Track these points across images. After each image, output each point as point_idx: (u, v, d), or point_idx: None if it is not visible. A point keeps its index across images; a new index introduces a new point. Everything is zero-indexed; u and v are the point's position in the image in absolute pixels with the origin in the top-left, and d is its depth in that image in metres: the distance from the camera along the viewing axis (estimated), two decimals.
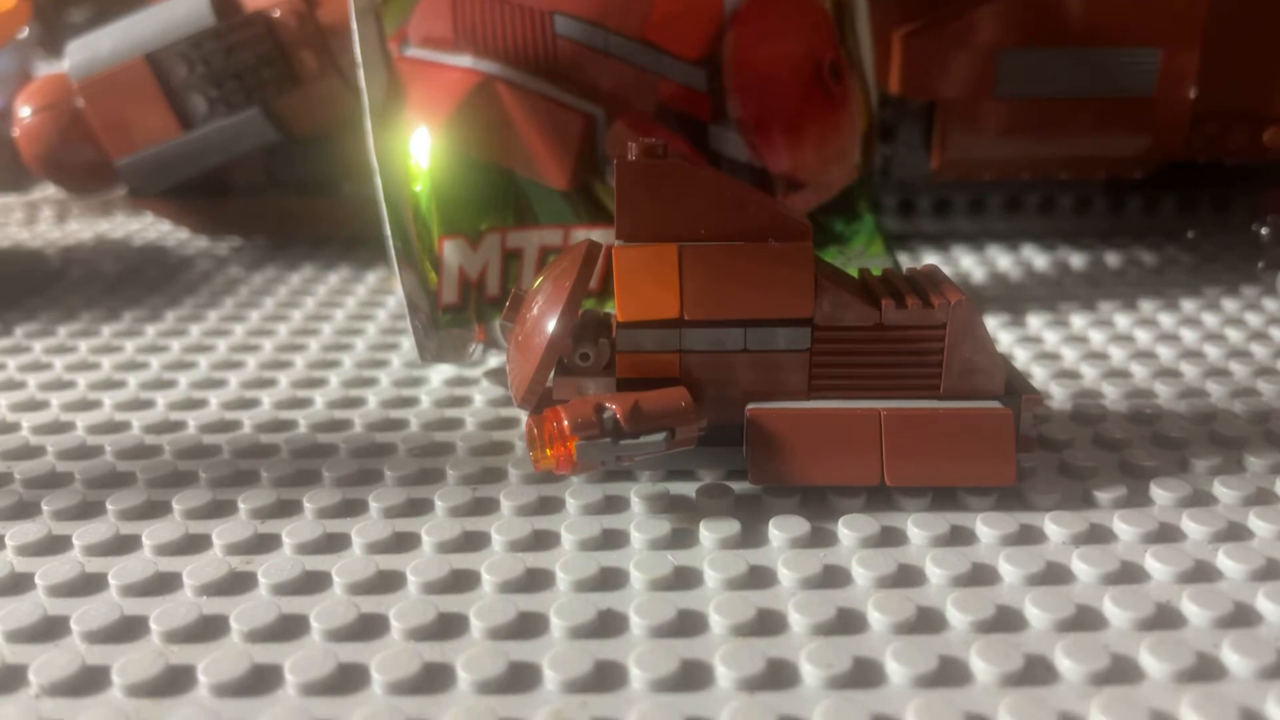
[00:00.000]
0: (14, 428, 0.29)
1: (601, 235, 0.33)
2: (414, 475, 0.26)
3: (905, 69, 0.40)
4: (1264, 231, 0.36)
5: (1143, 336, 0.34)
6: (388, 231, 0.32)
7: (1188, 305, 0.37)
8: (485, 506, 0.25)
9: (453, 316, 0.32)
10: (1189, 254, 0.43)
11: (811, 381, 0.25)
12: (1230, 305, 0.37)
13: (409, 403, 0.30)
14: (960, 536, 0.23)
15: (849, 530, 0.23)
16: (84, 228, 0.49)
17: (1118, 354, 0.33)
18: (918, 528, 0.23)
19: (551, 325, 0.24)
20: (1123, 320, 0.36)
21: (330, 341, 0.35)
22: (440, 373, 0.32)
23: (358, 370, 0.33)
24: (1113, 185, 0.44)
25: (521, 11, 0.32)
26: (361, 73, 0.32)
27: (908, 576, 0.22)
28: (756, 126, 0.34)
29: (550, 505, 0.25)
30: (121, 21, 0.39)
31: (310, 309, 0.38)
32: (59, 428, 0.29)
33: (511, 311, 0.26)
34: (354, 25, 0.32)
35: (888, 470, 0.24)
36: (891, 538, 0.23)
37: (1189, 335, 0.34)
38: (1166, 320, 0.36)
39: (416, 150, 0.32)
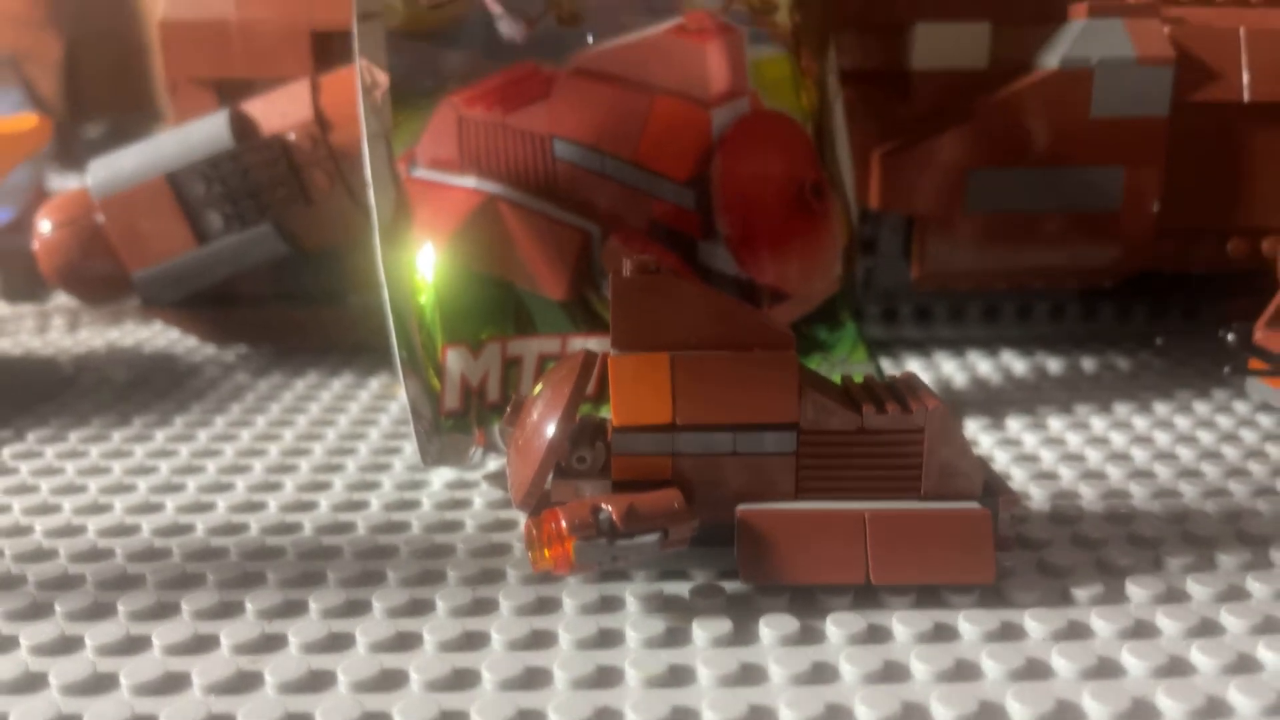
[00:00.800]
0: (27, 530, 0.30)
1: (597, 344, 0.34)
2: (416, 576, 0.27)
3: (884, 186, 0.42)
4: (1230, 337, 0.38)
5: (1118, 439, 0.36)
6: (394, 341, 0.33)
7: (1160, 408, 0.39)
8: (485, 606, 0.25)
9: (454, 422, 0.33)
10: (1160, 359, 0.45)
11: (799, 483, 0.26)
12: (1201, 408, 0.39)
13: (410, 505, 0.31)
14: (944, 633, 0.24)
15: (836, 628, 0.24)
16: (94, 335, 0.51)
17: (1094, 456, 0.34)
18: (902, 624, 0.24)
19: (551, 430, 0.25)
20: (1099, 423, 0.37)
21: (334, 446, 0.36)
22: (441, 476, 0.33)
23: (360, 474, 0.34)
24: (1085, 294, 0.47)
25: (522, 136, 0.35)
26: (371, 192, 0.34)
27: (894, 672, 0.22)
28: (743, 243, 0.36)
29: (548, 605, 0.25)
30: (143, 143, 0.41)
31: (314, 414, 0.39)
32: (71, 531, 0.30)
33: (512, 416, 0.27)
34: (365, 148, 0.35)
35: (873, 569, 0.25)
36: (878, 634, 0.24)
37: (1162, 437, 0.36)
38: (1140, 423, 0.37)
39: (422, 264, 0.34)
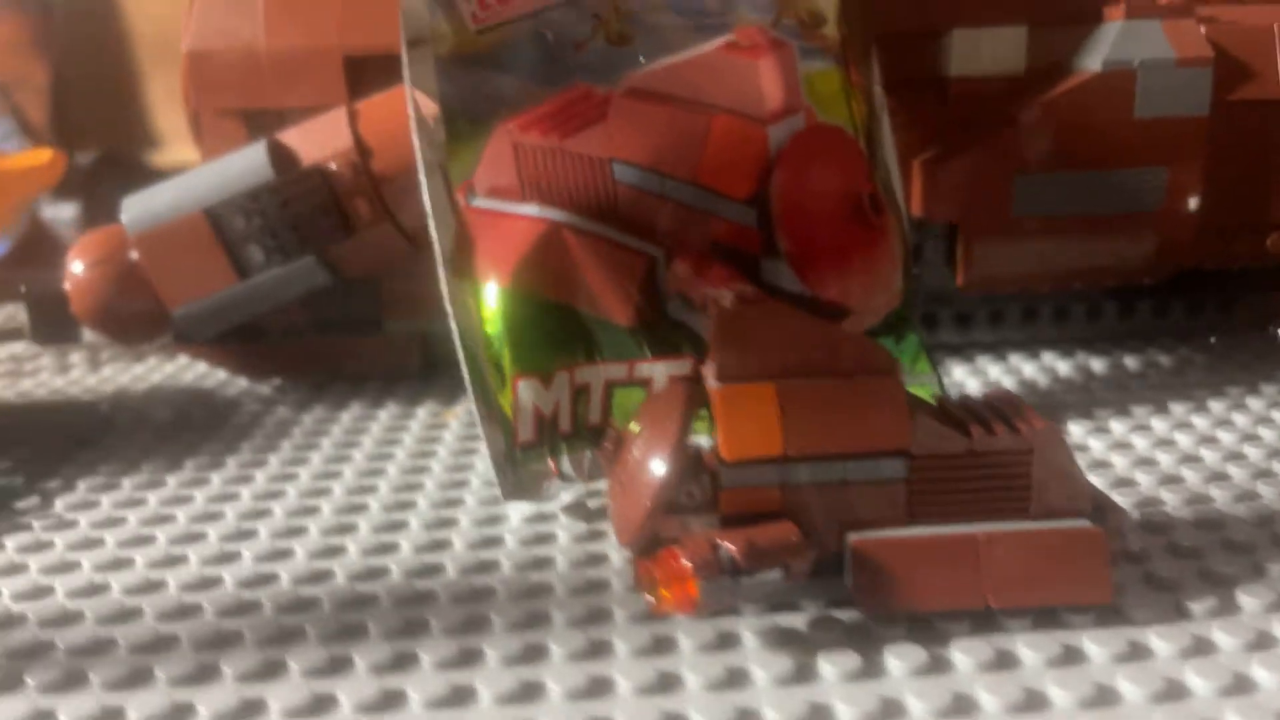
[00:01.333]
0: (103, 589, 0.29)
1: (665, 368, 0.34)
2: (522, 619, 0.26)
3: (927, 193, 0.42)
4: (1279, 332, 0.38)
5: (1183, 440, 0.36)
6: (466, 375, 0.33)
7: (1215, 406, 0.39)
8: (601, 649, 0.25)
9: (530, 454, 0.33)
10: (1201, 355, 0.45)
11: (909, 509, 0.26)
12: (1256, 404, 0.39)
13: (494, 543, 0.31)
14: (1073, 656, 0.24)
15: (964, 655, 0.24)
16: (119, 373, 0.50)
17: (1165, 459, 0.34)
18: (1029, 649, 0.24)
19: (661, 468, 0.25)
20: (1159, 424, 0.38)
21: (399, 482, 0.35)
22: (518, 510, 0.33)
23: (435, 511, 0.33)
24: (1121, 292, 0.47)
25: (582, 161, 0.34)
26: (432, 224, 0.34)
27: (1033, 701, 0.22)
28: (805, 259, 0.35)
29: (665, 645, 0.25)
30: (177, 178, 0.40)
31: (369, 449, 0.39)
32: (150, 586, 0.29)
33: (613, 452, 0.27)
34: (423, 180, 0.34)
35: (991, 594, 0.25)
36: (1006, 661, 0.24)
37: (1226, 437, 0.36)
38: (1200, 422, 0.38)
39: (488, 295, 0.33)
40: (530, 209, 0.34)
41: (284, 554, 0.31)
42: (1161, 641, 0.24)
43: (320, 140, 0.40)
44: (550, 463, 0.33)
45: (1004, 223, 0.42)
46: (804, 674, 0.24)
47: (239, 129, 0.43)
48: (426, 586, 0.28)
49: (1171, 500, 0.31)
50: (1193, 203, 0.41)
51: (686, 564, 0.24)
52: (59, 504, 0.35)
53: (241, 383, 0.47)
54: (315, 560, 0.30)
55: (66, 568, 0.30)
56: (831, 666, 0.24)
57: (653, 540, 0.26)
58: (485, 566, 0.29)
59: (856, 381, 0.25)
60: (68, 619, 0.27)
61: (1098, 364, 0.45)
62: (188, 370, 0.50)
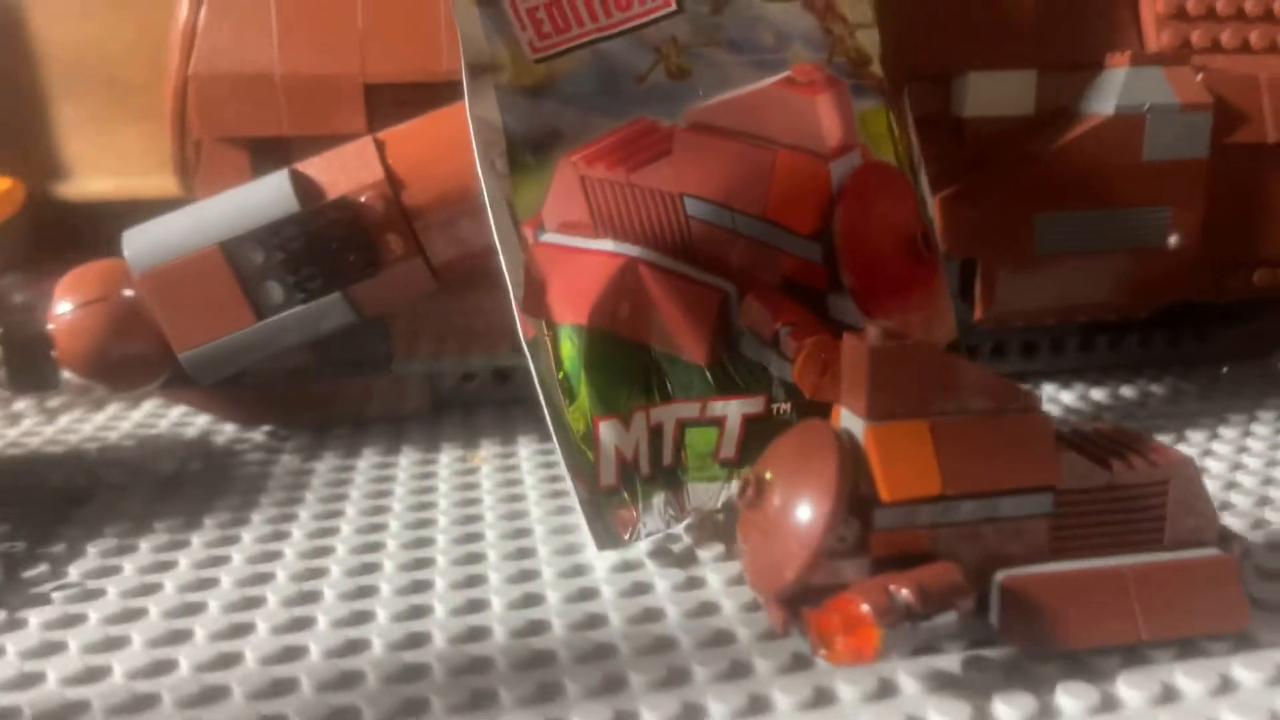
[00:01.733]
0: (171, 666, 0.26)
1: (738, 406, 0.33)
2: (661, 679, 0.25)
3: (946, 229, 0.43)
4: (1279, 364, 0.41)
5: (1252, 463, 0.37)
6: (550, 423, 0.31)
7: (1227, 433, 0.41)
8: (762, 705, 0.24)
9: (613, 499, 0.31)
10: (1188, 384, 0.47)
11: (1051, 545, 0.26)
12: (1263, 430, 0.41)
13: (590, 595, 0.29)
14: (1229, 685, 0.24)
15: (1131, 689, 0.24)
16: (103, 420, 0.45)
17: (1247, 480, 0.36)
18: (1189, 679, 0.24)
19: (823, 516, 0.24)
20: (1221, 448, 0.39)
21: (456, 534, 0.33)
22: (602, 560, 0.31)
23: (510, 564, 0.31)
24: (1110, 324, 0.49)
25: (653, 196, 0.33)
26: (503, 260, 0.32)
27: None
28: (868, 294, 0.35)
29: (826, 696, 0.24)
30: (186, 209, 0.37)
31: (405, 498, 0.36)
32: (226, 661, 0.26)
33: (754, 498, 0.26)
34: (491, 215, 0.32)
35: (1143, 626, 0.25)
36: (1171, 694, 0.24)
37: (1252, 462, 0.38)
38: (1222, 449, 0.39)
39: (565, 333, 0.32)
40: (605, 244, 0.33)
41: (365, 617, 0.28)
42: None
43: (348, 171, 0.37)
44: (632, 508, 0.32)
45: (1025, 259, 0.43)
46: (983, 717, 0.23)
47: (242, 158, 0.40)
48: (542, 646, 0.26)
49: (1237, 523, 0.33)
50: (1193, 240, 0.44)
51: (866, 611, 0.23)
52: (73, 572, 0.31)
53: (229, 429, 0.44)
54: (400, 622, 0.28)
55: (115, 644, 0.27)
56: (1009, 708, 0.23)
57: (803, 589, 0.25)
58: (593, 621, 0.28)
59: (1003, 418, 0.25)
60: (139, 705, 0.24)
61: (1098, 394, 0.46)
62: (162, 416, 0.46)
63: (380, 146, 0.38)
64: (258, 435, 0.43)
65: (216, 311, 0.37)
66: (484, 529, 0.34)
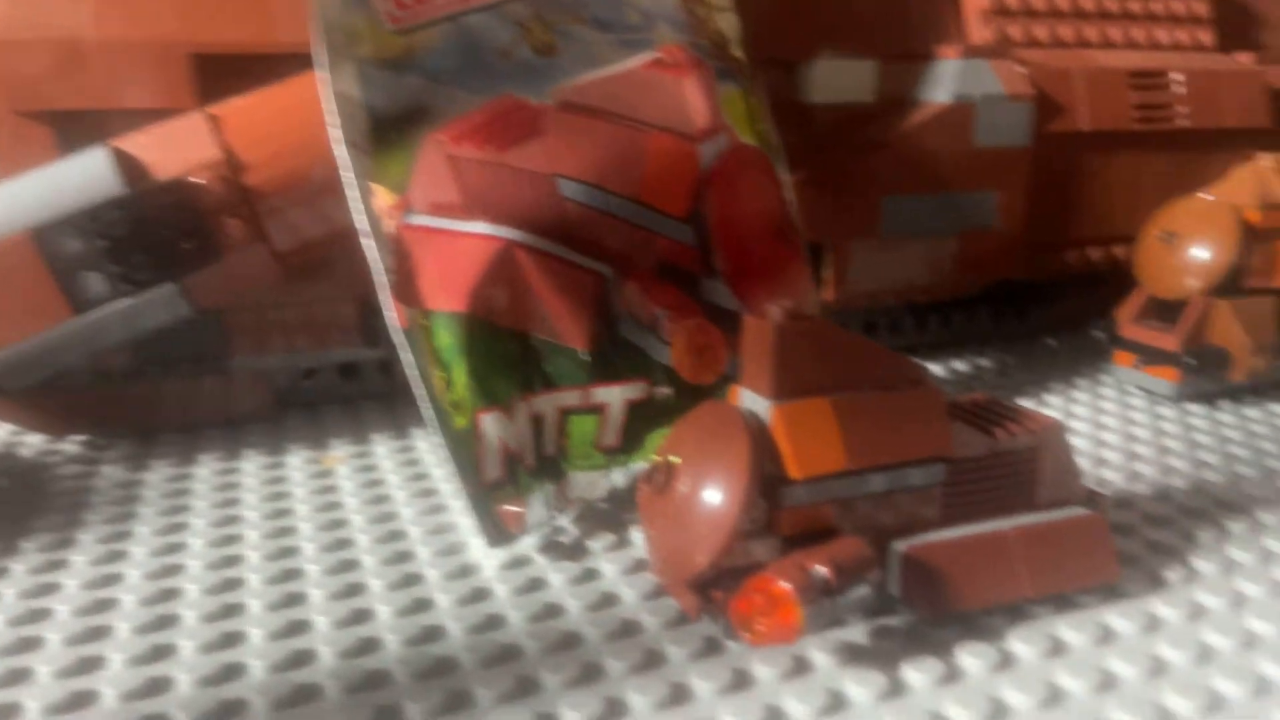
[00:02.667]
0: (14, 712, 0.22)
1: (620, 392, 0.33)
2: (578, 675, 0.24)
3: (798, 214, 0.44)
4: (1100, 334, 0.44)
5: (1081, 427, 0.40)
6: (426, 412, 0.29)
7: (1052, 400, 0.44)
8: (683, 694, 0.23)
9: (499, 493, 0.30)
10: (1011, 356, 0.51)
11: (943, 512, 0.27)
12: (1083, 396, 0.44)
13: (484, 596, 0.28)
14: (1109, 634, 0.26)
15: (1026, 646, 0.25)
16: None
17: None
18: (1072, 630, 0.25)
19: (733, 500, 0.24)
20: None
21: (325, 540, 0.31)
22: (489, 559, 0.30)
23: (392, 569, 0.29)
24: (941, 304, 0.52)
25: (527, 176, 0.32)
26: (371, 244, 0.30)
27: (1107, 680, 0.24)
28: (740, 277, 0.35)
29: (745, 680, 0.24)
30: None
31: (258, 506, 0.33)
32: (81, 701, 0.23)
33: (661, 484, 0.25)
34: (356, 196, 0.30)
35: (1029, 584, 0.26)
36: (1060, 647, 0.25)
37: (1111, 422, 0.41)
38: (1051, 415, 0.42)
39: (440, 322, 0.30)
40: (479, 226, 0.31)
41: (236, 639, 0.26)
42: (1169, 609, 0.26)
43: (179, 149, 0.34)
44: (519, 501, 0.30)
45: (874, 241, 0.44)
46: (898, 689, 0.24)
47: (44, 135, 0.36)
48: (442, 653, 0.25)
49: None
50: (1017, 222, 0.47)
51: (787, 590, 0.23)
52: None
53: (35, 440, 0.39)
54: (281, 641, 0.25)
55: None
56: (918, 674, 0.24)
57: (715, 572, 0.24)
58: (492, 623, 0.26)
59: (897, 392, 0.26)
60: None
61: (935, 368, 0.49)
62: None
63: (215, 122, 0.35)
64: (70, 446, 0.38)
65: (26, 306, 0.32)
66: (353, 534, 0.31)
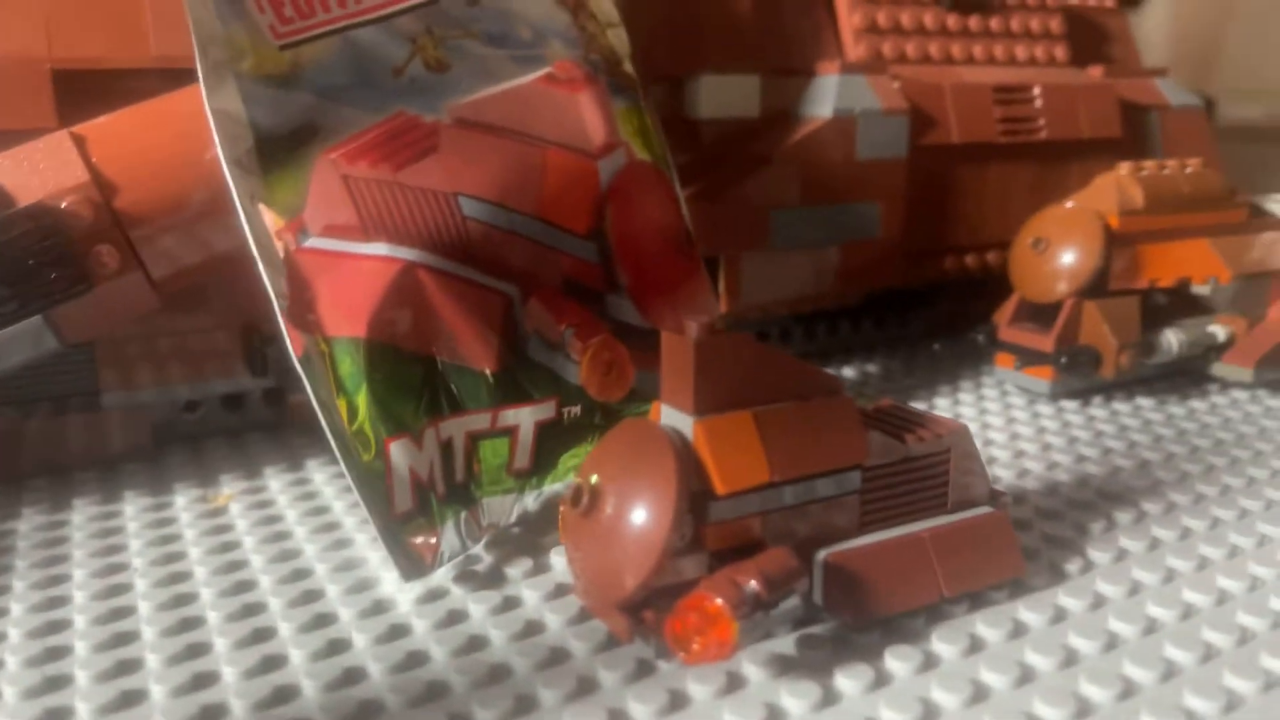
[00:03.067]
0: None
1: (530, 413, 0.32)
2: (510, 709, 0.23)
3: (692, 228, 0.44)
4: (980, 338, 0.46)
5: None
6: (335, 448, 0.28)
7: (940, 402, 0.46)
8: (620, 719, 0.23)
9: (410, 525, 0.29)
10: (895, 361, 0.52)
11: (861, 519, 0.27)
12: (967, 397, 0.46)
13: (403, 633, 0.27)
14: (1021, 628, 0.27)
15: (945, 645, 0.25)
16: None
17: None
18: (988, 626, 0.26)
19: (661, 519, 0.24)
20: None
21: (222, 585, 0.29)
22: (405, 592, 0.29)
23: (300, 610, 0.28)
24: (828, 313, 0.53)
25: (426, 195, 0.31)
26: (264, 272, 0.29)
27: (1030, 673, 0.25)
28: (642, 292, 0.35)
29: (681, 700, 0.24)
30: None
31: (145, 551, 0.31)
32: None
33: (588, 507, 0.25)
34: (245, 221, 0.29)
35: (944, 584, 0.27)
36: (978, 644, 0.26)
37: (995, 420, 0.42)
38: (969, 411, 0.44)
39: (341, 348, 0.29)
40: (379, 248, 0.30)
41: (136, 698, 0.24)
42: (1070, 599, 0.28)
43: (42, 172, 0.31)
44: (432, 532, 0.29)
45: (765, 253, 0.45)
46: (832, 697, 0.24)
47: None
48: (365, 696, 0.24)
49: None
50: (898, 232, 0.48)
51: (720, 606, 0.23)
52: None
53: None
54: (186, 697, 0.24)
55: None
56: (850, 680, 0.24)
57: (645, 593, 0.24)
58: (415, 660, 0.25)
59: (814, 402, 0.26)
60: None
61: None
62: None
63: (80, 143, 0.32)
64: None
65: None
66: (254, 576, 0.30)
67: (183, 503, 0.35)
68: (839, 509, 0.27)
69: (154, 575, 0.30)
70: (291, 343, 0.29)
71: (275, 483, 0.37)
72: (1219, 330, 0.46)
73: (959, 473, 0.28)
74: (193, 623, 0.27)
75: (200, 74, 0.29)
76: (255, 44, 0.30)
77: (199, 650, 0.26)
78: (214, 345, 0.40)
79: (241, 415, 0.41)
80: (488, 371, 0.31)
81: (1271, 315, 0.47)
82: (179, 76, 0.34)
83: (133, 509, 0.34)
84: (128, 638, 0.26)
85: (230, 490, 0.36)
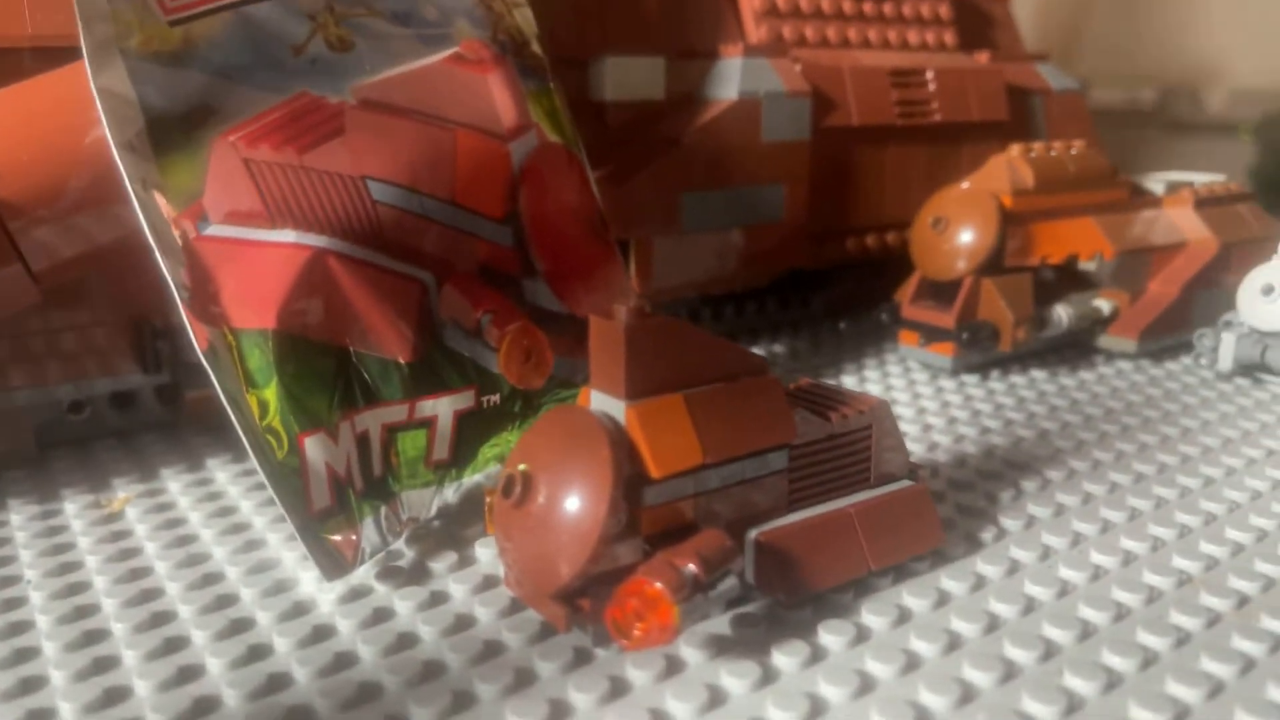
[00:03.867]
0: None
1: (449, 403, 0.31)
2: (448, 707, 0.23)
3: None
4: (884, 316, 0.47)
5: None
6: (248, 444, 0.27)
7: (847, 380, 0.47)
8: (562, 710, 0.23)
9: (329, 523, 0.28)
10: (801, 342, 0.53)
11: (789, 497, 0.27)
12: (873, 374, 0.47)
13: (328, 634, 0.26)
14: (946, 597, 0.27)
15: (876, 617, 0.26)
16: None
17: None
18: (914, 597, 0.27)
19: (598, 507, 0.23)
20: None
21: (126, 595, 0.27)
22: (326, 592, 0.28)
23: (210, 616, 0.26)
24: (734, 294, 0.53)
25: (333, 180, 0.30)
26: (161, 261, 0.27)
27: (957, 640, 0.25)
28: (559, 277, 0.35)
29: (622, 686, 0.24)
30: None
31: (36, 563, 0.29)
32: None
33: (521, 496, 0.24)
34: (138, 207, 0.27)
35: (871, 559, 0.27)
36: (906, 614, 0.27)
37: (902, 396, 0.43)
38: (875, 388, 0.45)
39: (249, 340, 0.28)
40: (286, 235, 0.29)
41: (45, 716, 0.22)
42: (990, 566, 0.29)
43: None
44: (352, 529, 0.28)
45: (676, 236, 0.45)
46: (772, 675, 0.24)
47: None
48: (293, 702, 0.23)
49: None
50: (802, 214, 0.49)
51: (660, 590, 0.22)
52: None
53: None
54: (98, 714, 0.22)
55: None
56: (787, 657, 0.24)
57: (582, 581, 0.24)
58: (343, 661, 0.24)
59: (741, 383, 0.26)
60: None
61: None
62: None
63: None
64: None
65: None
66: (160, 583, 0.28)
67: (73, 509, 0.33)
68: (768, 488, 0.27)
69: (50, 587, 0.28)
70: (195, 336, 0.27)
71: (174, 484, 0.35)
72: (1104, 304, 0.49)
73: (880, 448, 0.29)
74: (97, 636, 0.25)
75: (85, 52, 0.27)
76: (143, 20, 0.28)
77: (107, 664, 0.24)
78: (98, 341, 0.37)
79: (132, 414, 0.39)
80: (403, 361, 0.30)
81: (1152, 289, 0.49)
82: (57, 56, 0.32)
83: (19, 518, 0.32)
84: (27, 654, 0.25)
85: (126, 494, 0.34)
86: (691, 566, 0.23)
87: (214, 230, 0.28)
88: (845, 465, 0.28)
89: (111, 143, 0.27)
